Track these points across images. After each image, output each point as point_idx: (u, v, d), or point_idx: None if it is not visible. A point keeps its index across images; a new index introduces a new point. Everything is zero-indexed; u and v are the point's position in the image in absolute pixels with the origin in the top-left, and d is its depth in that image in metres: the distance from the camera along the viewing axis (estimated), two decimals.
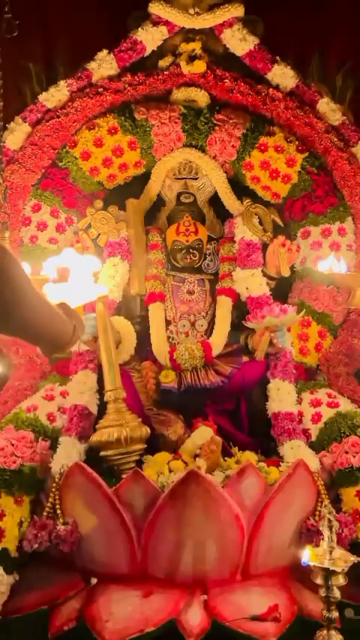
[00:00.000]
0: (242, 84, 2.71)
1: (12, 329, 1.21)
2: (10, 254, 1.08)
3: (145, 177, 2.86)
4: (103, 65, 2.68)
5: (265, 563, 2.02)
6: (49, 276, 1.99)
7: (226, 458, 2.25)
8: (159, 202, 2.90)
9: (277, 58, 2.70)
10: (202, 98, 2.77)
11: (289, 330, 2.62)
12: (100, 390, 2.39)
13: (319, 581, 1.56)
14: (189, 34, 2.74)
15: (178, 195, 2.84)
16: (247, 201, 2.81)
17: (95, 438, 2.24)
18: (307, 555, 1.58)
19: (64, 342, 1.35)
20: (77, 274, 1.82)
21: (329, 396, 2.50)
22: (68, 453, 2.21)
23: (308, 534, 2.04)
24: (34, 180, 2.70)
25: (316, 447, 2.32)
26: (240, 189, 2.86)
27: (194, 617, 1.79)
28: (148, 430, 2.28)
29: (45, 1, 2.82)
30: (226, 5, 2.68)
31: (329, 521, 1.57)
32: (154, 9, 2.68)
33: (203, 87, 2.76)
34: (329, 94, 2.76)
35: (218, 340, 2.60)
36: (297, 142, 2.72)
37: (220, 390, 2.50)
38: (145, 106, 2.74)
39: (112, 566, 2.00)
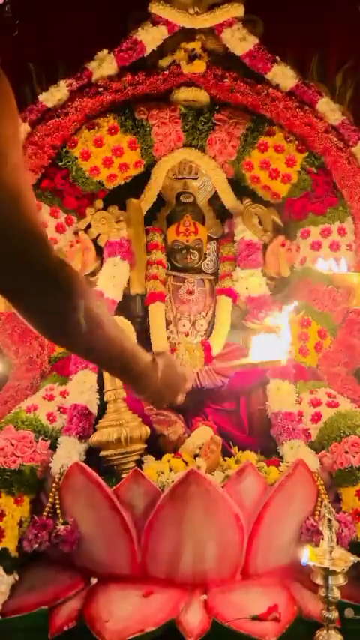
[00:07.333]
0: (242, 84, 2.71)
1: None
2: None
3: (145, 177, 2.86)
4: (103, 65, 2.68)
5: (265, 563, 2.02)
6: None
7: (226, 458, 2.25)
8: (159, 202, 2.90)
9: (277, 58, 2.70)
10: (202, 98, 2.78)
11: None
12: (100, 389, 2.39)
13: (319, 581, 1.56)
14: (189, 34, 2.74)
15: (178, 195, 2.84)
16: (247, 201, 2.81)
17: (95, 437, 2.24)
18: (307, 555, 1.58)
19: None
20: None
21: (329, 395, 2.50)
22: (68, 452, 2.20)
23: (308, 534, 2.03)
24: (33, 180, 2.70)
25: (316, 447, 2.32)
26: (240, 189, 2.86)
27: (194, 617, 1.79)
28: (148, 430, 2.28)
29: (45, 1, 2.82)
30: (226, 5, 2.69)
31: (329, 521, 1.57)
32: (154, 9, 2.68)
33: (203, 87, 2.76)
34: (329, 94, 2.76)
35: (218, 340, 2.60)
36: (297, 142, 2.72)
37: (220, 390, 2.50)
38: (145, 105, 2.74)
39: (112, 566, 2.00)
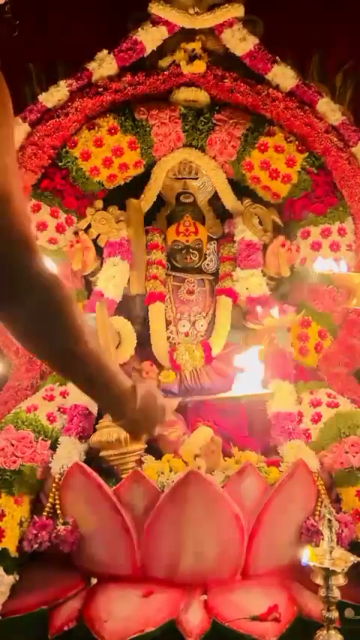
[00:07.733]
0: (242, 84, 2.70)
1: None
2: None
3: (145, 177, 2.85)
4: (103, 65, 2.68)
5: (265, 563, 2.02)
6: None
7: (226, 458, 2.25)
8: (159, 202, 2.90)
9: (277, 58, 2.70)
10: (202, 98, 2.77)
11: (289, 330, 2.62)
12: None
13: (319, 581, 1.56)
14: (189, 34, 2.74)
15: (178, 195, 2.84)
16: (247, 201, 2.80)
17: (95, 438, 2.24)
18: (307, 555, 1.58)
19: None
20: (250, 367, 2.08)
21: (329, 396, 2.50)
22: (68, 452, 2.21)
23: (308, 534, 2.04)
24: (33, 180, 2.70)
25: (316, 447, 2.32)
26: (240, 189, 2.86)
27: (194, 617, 1.78)
28: None
29: (45, 1, 2.82)
30: (226, 5, 2.68)
31: (329, 521, 1.57)
32: (154, 9, 2.68)
33: (203, 87, 2.76)
34: (329, 94, 2.76)
35: (218, 340, 2.60)
36: (297, 142, 2.71)
37: (220, 390, 2.50)
38: (145, 105, 2.74)
39: (112, 566, 2.00)
